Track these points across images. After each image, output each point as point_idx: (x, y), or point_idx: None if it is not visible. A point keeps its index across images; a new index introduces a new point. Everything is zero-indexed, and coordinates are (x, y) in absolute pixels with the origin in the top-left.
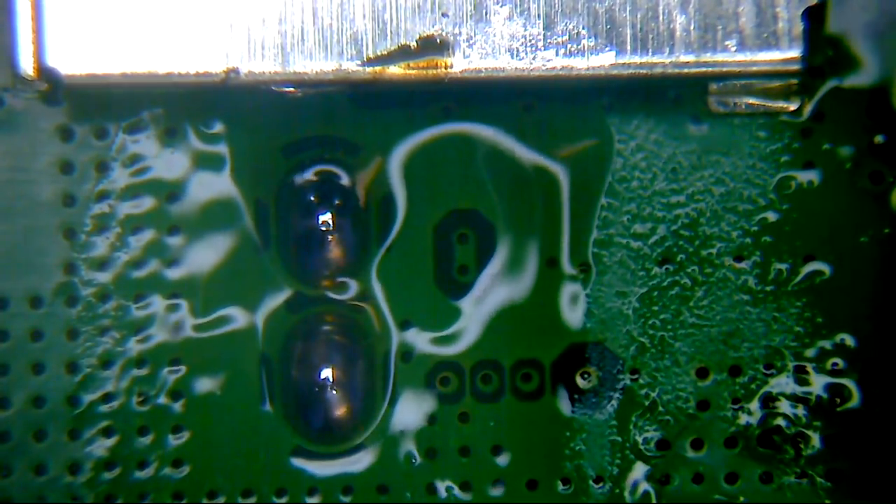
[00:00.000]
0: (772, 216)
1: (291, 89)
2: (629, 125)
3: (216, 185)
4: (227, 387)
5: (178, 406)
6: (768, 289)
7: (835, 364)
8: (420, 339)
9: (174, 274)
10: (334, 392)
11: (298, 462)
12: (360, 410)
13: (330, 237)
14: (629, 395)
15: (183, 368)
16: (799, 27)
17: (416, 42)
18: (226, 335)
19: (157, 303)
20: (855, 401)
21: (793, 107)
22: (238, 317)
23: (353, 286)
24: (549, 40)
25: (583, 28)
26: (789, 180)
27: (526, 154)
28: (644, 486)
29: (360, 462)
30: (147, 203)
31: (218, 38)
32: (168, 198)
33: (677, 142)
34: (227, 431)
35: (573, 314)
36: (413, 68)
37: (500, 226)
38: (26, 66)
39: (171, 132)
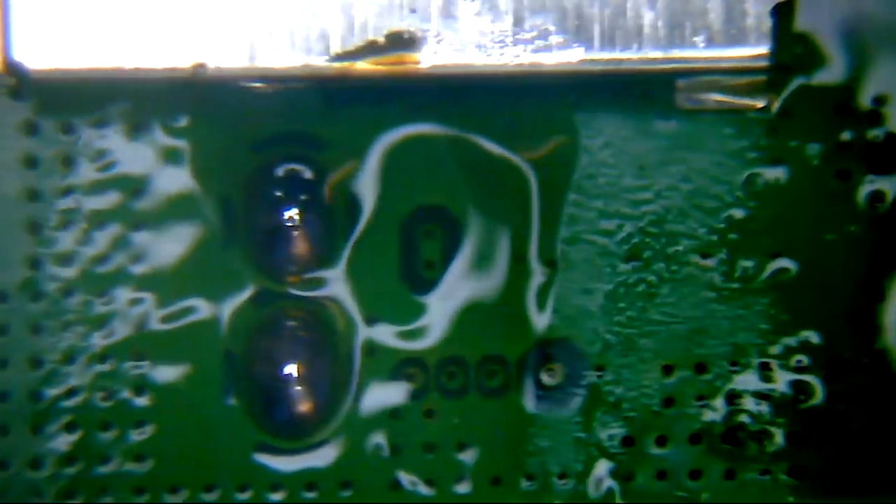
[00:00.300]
0: (739, 213)
1: (259, 85)
2: (597, 121)
3: (182, 181)
4: (190, 382)
5: (141, 401)
6: (734, 286)
7: (799, 361)
8: (385, 335)
9: (139, 269)
10: (298, 387)
11: (262, 457)
12: (324, 406)
13: (296, 233)
14: (594, 392)
15: (147, 363)
16: (767, 24)
17: (385, 38)
18: (190, 330)
19: (122, 298)
20: (819, 398)
21: (761, 104)
22: (203, 312)
23: (319, 282)
24: (517, 36)
25: (551, 24)
26: (756, 177)
27: (494, 150)
28: (608, 482)
29: (323, 458)
30: (113, 198)
31: (186, 33)
32: (134, 193)
33: (645, 138)
34: (190, 426)
35: (539, 311)
36: (381, 64)
37: (467, 222)
38: None
39: (137, 127)
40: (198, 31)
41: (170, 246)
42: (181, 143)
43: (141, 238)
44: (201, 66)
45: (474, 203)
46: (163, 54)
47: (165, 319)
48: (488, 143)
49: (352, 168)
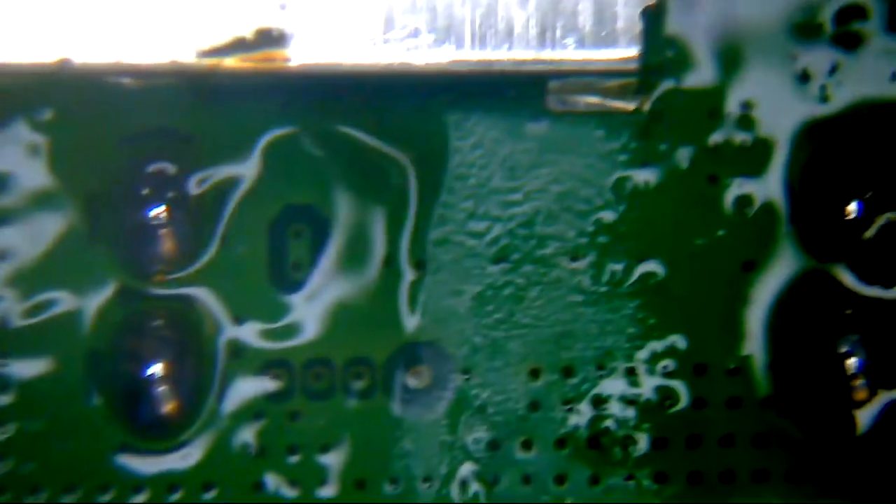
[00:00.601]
0: (608, 216)
1: (126, 80)
2: (468, 122)
3: (47, 177)
4: (53, 381)
5: (2, 399)
6: (602, 290)
7: (665, 366)
8: (251, 335)
9: (1, 267)
10: (162, 387)
11: (124, 458)
12: (188, 406)
13: (162, 231)
14: (460, 394)
15: (8, 362)
16: (638, 26)
17: (254, 35)
18: (54, 329)
19: None
20: (684, 403)
21: (631, 106)
22: (67, 310)
23: (185, 281)
24: (388, 35)
25: (422, 24)
26: (626, 180)
27: (364, 150)
28: (473, 486)
29: (187, 459)
30: None
31: (51, 28)
32: None
33: (515, 140)
34: (52, 426)
35: (406, 312)
36: (250, 61)
37: (335, 222)
38: None
39: (1, 122)
40: (64, 25)
41: (33, 242)
42: (46, 139)
43: (3, 234)
44: (67, 60)
45: (343, 203)
46: (28, 48)
47: (27, 317)
48: (358, 143)
49: (220, 165)
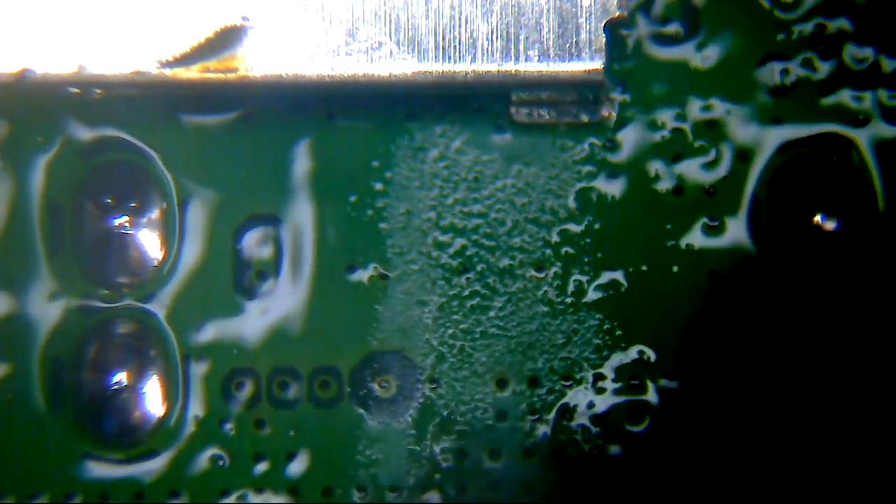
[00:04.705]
0: (573, 227)
1: (90, 90)
2: (432, 133)
3: (9, 187)
4: (18, 390)
5: None
6: (568, 300)
7: (632, 377)
8: (216, 345)
9: None
10: (127, 396)
11: (90, 466)
12: (153, 415)
13: (126, 240)
14: (427, 404)
15: None
16: (601, 39)
17: (215, 45)
18: (17, 338)
19: None
20: (652, 414)
21: (595, 117)
22: (31, 320)
23: (149, 290)
24: (350, 47)
25: (385, 35)
26: (591, 191)
27: (328, 159)
28: (439, 495)
29: (152, 467)
30: None
31: (13, 38)
32: None
33: (480, 151)
34: (17, 435)
35: (372, 322)
36: (212, 71)
37: (300, 231)
38: None
39: None
40: (26, 35)
41: None
42: (9, 149)
43: None
44: (28, 70)
45: (308, 213)
46: None
47: None
48: (321, 152)
49: (183, 175)
